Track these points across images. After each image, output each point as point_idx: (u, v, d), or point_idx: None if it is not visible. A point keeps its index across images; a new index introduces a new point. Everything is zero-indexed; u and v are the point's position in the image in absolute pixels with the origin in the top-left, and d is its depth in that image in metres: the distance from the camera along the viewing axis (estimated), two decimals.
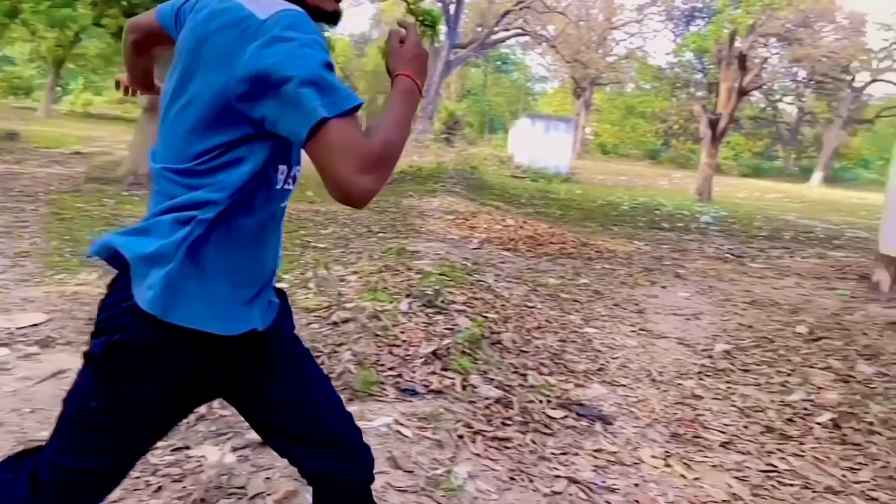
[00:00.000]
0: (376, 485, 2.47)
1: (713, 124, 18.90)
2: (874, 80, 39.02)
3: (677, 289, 6.97)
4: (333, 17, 1.35)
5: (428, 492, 2.47)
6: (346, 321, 4.07)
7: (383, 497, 2.41)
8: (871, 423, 3.65)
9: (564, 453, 3.06)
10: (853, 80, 39.14)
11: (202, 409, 2.86)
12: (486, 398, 3.36)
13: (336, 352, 3.65)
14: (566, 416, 3.42)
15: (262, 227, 1.29)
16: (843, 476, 3.10)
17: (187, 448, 2.65)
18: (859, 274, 8.43)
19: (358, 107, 1.13)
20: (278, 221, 1.36)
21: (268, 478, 2.44)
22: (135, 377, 1.22)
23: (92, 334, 1.26)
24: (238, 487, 2.38)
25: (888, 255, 7.37)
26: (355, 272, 5.53)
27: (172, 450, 2.63)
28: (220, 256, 1.23)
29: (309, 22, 1.17)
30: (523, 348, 4.35)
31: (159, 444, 1.85)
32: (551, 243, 8.77)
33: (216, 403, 2.85)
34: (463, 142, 27.14)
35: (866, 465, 3.21)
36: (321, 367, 1.74)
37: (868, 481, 3.06)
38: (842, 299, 7.07)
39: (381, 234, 7.68)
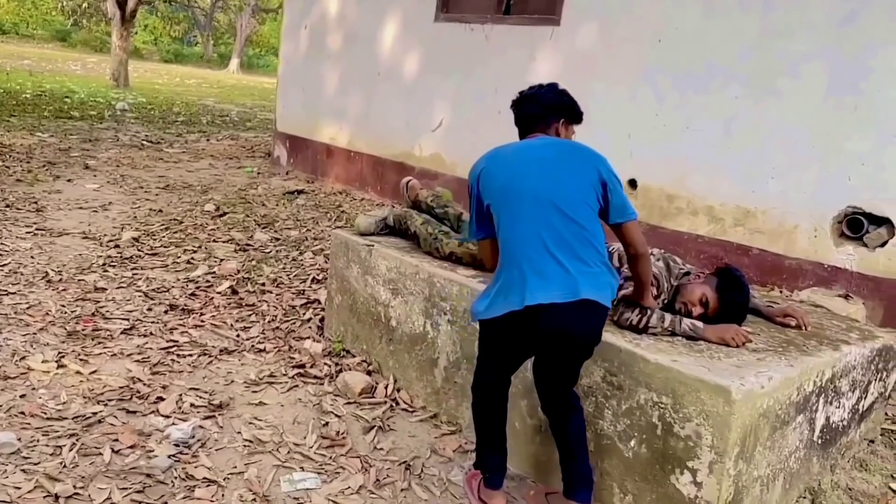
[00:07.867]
0: None
1: (121, 4, 17.64)
2: None
3: (86, 181, 6.48)
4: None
5: None
6: None
7: None
8: (263, 284, 4.08)
9: None
10: None
11: None
12: None
13: None
14: None
15: None
16: (238, 336, 3.41)
17: None
18: (266, 152, 9.24)
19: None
20: None
21: None
22: None
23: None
24: None
25: (284, 133, 8.21)
26: None
27: None
28: None
29: None
30: None
31: None
32: None
33: None
34: None
35: (257, 321, 3.59)
36: None
37: (258, 336, 3.43)
38: (249, 176, 7.65)
39: None
